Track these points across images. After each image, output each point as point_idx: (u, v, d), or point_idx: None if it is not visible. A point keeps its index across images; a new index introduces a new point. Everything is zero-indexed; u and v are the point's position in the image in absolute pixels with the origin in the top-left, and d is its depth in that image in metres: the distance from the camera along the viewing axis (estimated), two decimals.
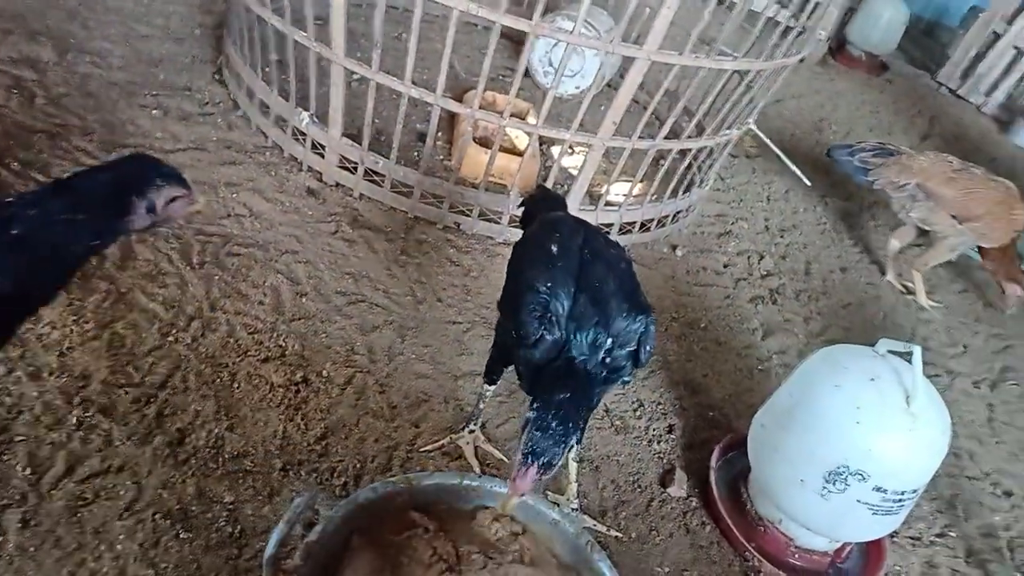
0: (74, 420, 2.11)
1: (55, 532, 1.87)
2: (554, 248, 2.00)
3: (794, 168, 4.37)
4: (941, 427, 2.21)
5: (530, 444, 1.70)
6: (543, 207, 2.40)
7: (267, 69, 3.49)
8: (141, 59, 3.64)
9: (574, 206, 3.32)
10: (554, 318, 1.87)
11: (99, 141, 3.06)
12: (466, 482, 1.95)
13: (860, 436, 2.15)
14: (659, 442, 2.70)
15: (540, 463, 1.69)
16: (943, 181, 3.89)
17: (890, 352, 2.33)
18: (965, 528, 2.80)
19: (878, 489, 2.17)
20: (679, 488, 2.54)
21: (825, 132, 5.50)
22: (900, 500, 2.22)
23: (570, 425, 1.74)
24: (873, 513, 2.22)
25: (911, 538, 2.70)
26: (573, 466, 2.34)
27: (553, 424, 1.71)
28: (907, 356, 2.24)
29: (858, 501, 2.19)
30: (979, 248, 4.02)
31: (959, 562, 2.68)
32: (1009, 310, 4.07)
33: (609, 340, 1.88)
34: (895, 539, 2.65)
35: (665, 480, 2.57)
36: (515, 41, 4.74)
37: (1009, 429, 3.37)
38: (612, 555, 2.25)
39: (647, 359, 1.97)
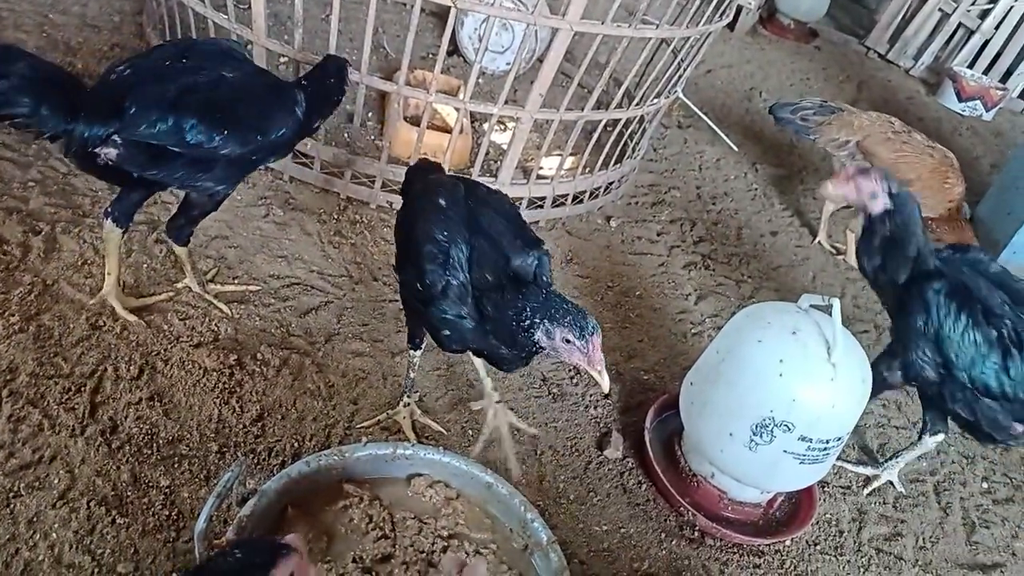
0: (2, 413, 2.09)
1: None
2: (442, 201, 2.09)
3: (722, 134, 4.43)
4: (861, 376, 2.29)
5: (570, 324, 1.82)
6: (423, 176, 2.46)
7: None
8: (57, 48, 3.56)
9: (506, 180, 3.35)
10: (456, 263, 1.96)
11: (17, 135, 3.00)
12: (399, 451, 1.98)
13: (783, 388, 2.21)
14: (595, 407, 2.75)
15: (591, 327, 1.82)
16: (879, 141, 3.91)
17: (812, 307, 2.41)
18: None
19: (803, 439, 2.25)
20: (615, 450, 2.60)
21: (755, 101, 5.60)
22: (825, 448, 2.30)
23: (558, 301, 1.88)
24: (800, 462, 2.30)
25: (841, 487, 2.80)
26: (479, 362, 2.43)
27: (555, 303, 1.86)
28: (827, 310, 2.32)
29: (785, 451, 2.27)
30: (924, 219, 4.07)
31: (888, 507, 2.78)
32: None
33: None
34: (826, 489, 2.75)
35: (602, 443, 2.63)
36: (446, 20, 4.73)
37: None
38: (551, 516, 2.32)
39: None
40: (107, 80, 2.15)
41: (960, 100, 6.68)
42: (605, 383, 1.86)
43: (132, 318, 2.45)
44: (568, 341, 1.83)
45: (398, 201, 3.24)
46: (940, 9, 7.05)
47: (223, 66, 2.25)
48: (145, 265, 2.69)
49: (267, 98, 2.33)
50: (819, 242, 4.18)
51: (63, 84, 2.05)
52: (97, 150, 2.07)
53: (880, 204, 2.60)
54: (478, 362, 2.44)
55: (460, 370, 2.72)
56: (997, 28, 6.97)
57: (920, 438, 2.74)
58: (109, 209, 2.34)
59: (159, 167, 2.17)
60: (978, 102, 6.65)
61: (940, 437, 2.72)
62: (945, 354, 2.47)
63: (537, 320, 1.85)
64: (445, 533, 1.86)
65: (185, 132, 2.10)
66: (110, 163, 2.10)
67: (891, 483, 2.83)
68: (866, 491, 2.77)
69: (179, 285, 2.63)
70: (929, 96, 6.85)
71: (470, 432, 2.52)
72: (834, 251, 4.16)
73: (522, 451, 2.50)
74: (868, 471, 2.82)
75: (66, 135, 2.05)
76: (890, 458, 2.82)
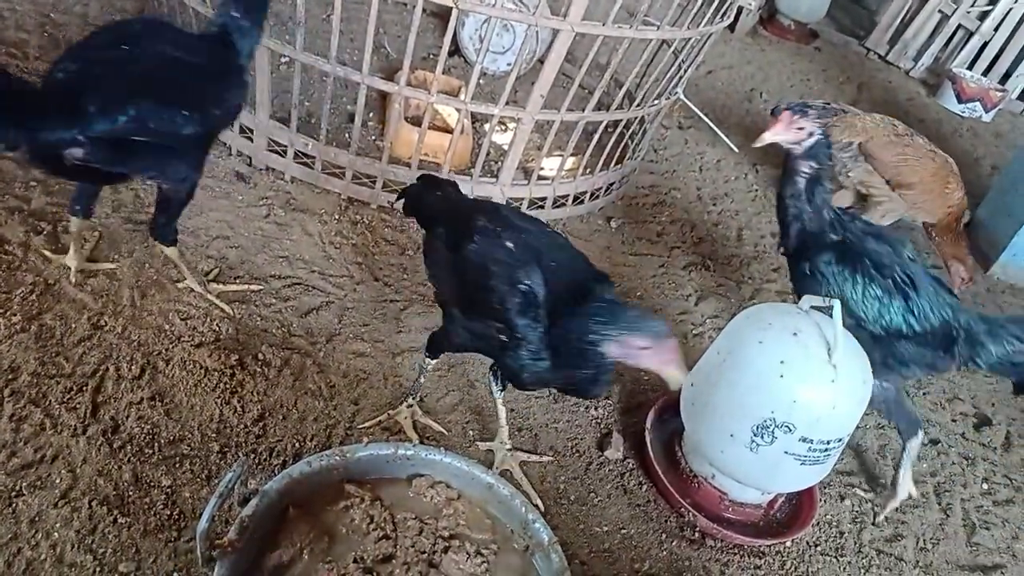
0: (4, 413, 2.09)
1: None
2: (509, 243, 2.04)
3: (722, 135, 4.43)
4: (862, 377, 2.29)
5: (645, 330, 1.84)
6: (431, 195, 2.41)
7: None
8: (59, 48, 3.56)
9: (507, 181, 3.35)
10: (543, 310, 1.96)
11: None
12: (401, 451, 1.97)
13: (784, 389, 2.21)
14: (596, 408, 2.76)
15: (662, 330, 1.84)
16: (882, 144, 3.90)
17: (813, 308, 2.41)
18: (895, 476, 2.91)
19: (804, 440, 2.25)
20: (616, 451, 2.60)
21: (756, 102, 5.60)
22: (826, 449, 2.30)
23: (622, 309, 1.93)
24: (801, 463, 2.30)
25: (842, 488, 2.80)
26: (502, 409, 2.41)
27: (620, 311, 1.89)
28: (829, 311, 2.32)
29: (786, 452, 2.27)
30: (924, 225, 4.08)
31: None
32: (955, 291, 4.13)
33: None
34: (826, 490, 2.75)
35: (602, 444, 2.63)
36: (447, 21, 4.73)
37: (935, 380, 3.50)
38: (552, 517, 2.32)
39: None
40: (56, 79, 2.06)
41: (960, 101, 6.69)
42: (678, 378, 1.90)
43: (74, 278, 2.49)
44: (643, 348, 1.86)
45: (399, 201, 3.28)
46: (940, 11, 7.06)
47: (163, 43, 2.19)
48: (147, 265, 2.68)
49: (218, 70, 2.28)
50: None
51: (10, 89, 1.92)
52: (64, 152, 2.00)
53: (815, 139, 2.59)
54: (501, 409, 2.41)
55: (460, 370, 2.72)
56: (996, 30, 6.98)
57: (904, 446, 2.72)
58: (76, 208, 2.39)
59: (126, 159, 2.13)
60: (978, 103, 6.66)
61: (920, 436, 2.71)
62: (855, 315, 2.52)
63: (605, 332, 1.86)
64: (446, 534, 1.85)
65: (147, 120, 2.05)
66: (76, 163, 2.04)
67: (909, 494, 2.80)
68: (883, 515, 2.75)
69: (180, 285, 2.64)
70: (929, 97, 6.86)
71: (471, 432, 2.52)
72: None
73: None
74: (887, 506, 2.77)
75: (28, 141, 1.96)
76: (893, 481, 2.78)
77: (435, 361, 2.40)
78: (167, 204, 2.39)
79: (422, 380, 2.44)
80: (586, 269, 2.12)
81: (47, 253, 2.55)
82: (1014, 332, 2.50)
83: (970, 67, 7.07)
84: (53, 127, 1.95)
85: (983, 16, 6.98)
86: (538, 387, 2.17)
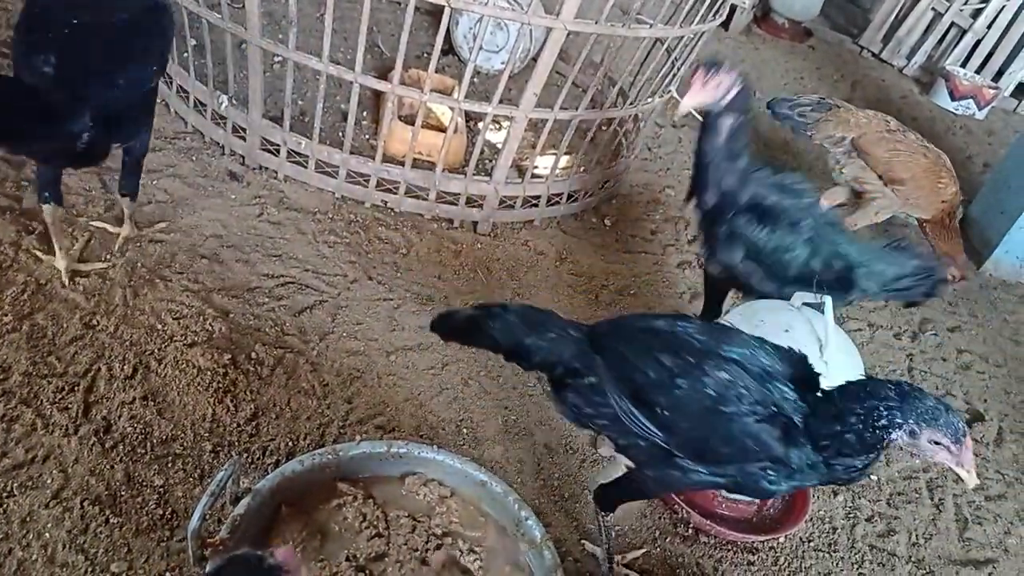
0: None
1: None
2: (719, 373, 1.80)
3: None
4: (853, 373, 2.29)
5: (944, 427, 1.66)
6: (520, 325, 1.99)
7: (185, 54, 3.45)
8: None
9: (500, 180, 3.35)
10: (801, 432, 1.77)
11: None
12: (394, 449, 1.98)
13: None
14: None
15: (964, 430, 1.66)
16: (874, 139, 3.90)
17: (804, 304, 2.42)
18: (887, 472, 2.92)
19: None
20: (609, 448, 2.60)
21: (750, 100, 5.59)
22: None
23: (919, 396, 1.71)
24: None
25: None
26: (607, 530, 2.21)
27: (916, 399, 1.68)
28: (820, 308, 2.33)
29: None
30: (919, 222, 4.09)
31: (881, 504, 2.79)
32: (948, 288, 4.15)
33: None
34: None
35: (596, 441, 2.63)
36: (440, 19, 4.73)
37: (928, 377, 3.51)
38: (545, 514, 2.32)
39: None
40: (47, 73, 2.08)
41: (953, 99, 6.70)
42: (973, 480, 1.70)
43: (66, 279, 2.51)
44: (937, 443, 1.67)
45: (393, 200, 3.28)
46: (933, 8, 7.07)
47: (108, 8, 2.26)
48: (139, 264, 2.68)
49: (159, 22, 2.37)
50: None
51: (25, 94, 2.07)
52: (79, 138, 2.13)
53: (735, 92, 2.41)
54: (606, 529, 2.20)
55: (455, 369, 2.72)
56: (989, 27, 6.99)
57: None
58: (46, 195, 2.42)
59: (119, 128, 2.31)
60: (971, 101, 6.68)
61: None
62: (778, 274, 2.46)
63: (899, 420, 1.67)
64: (439, 531, 1.86)
65: (137, 84, 2.26)
66: (83, 146, 2.16)
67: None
68: None
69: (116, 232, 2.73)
70: (922, 95, 6.87)
71: (464, 431, 2.52)
72: None
73: (518, 450, 2.51)
74: None
75: (54, 139, 2.11)
76: None
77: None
78: (137, 165, 2.58)
79: (612, 534, 2.22)
80: (784, 354, 1.88)
81: (38, 254, 2.55)
82: (888, 259, 2.53)
83: (963, 65, 7.08)
84: (73, 119, 2.08)
85: (976, 14, 7.00)
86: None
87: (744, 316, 2.41)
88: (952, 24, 7.09)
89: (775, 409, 1.76)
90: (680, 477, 1.87)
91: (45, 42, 2.13)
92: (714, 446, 1.80)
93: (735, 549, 2.45)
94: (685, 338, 1.85)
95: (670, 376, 1.80)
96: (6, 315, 2.34)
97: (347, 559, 1.77)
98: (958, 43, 7.13)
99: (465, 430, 2.53)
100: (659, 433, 1.83)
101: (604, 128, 3.63)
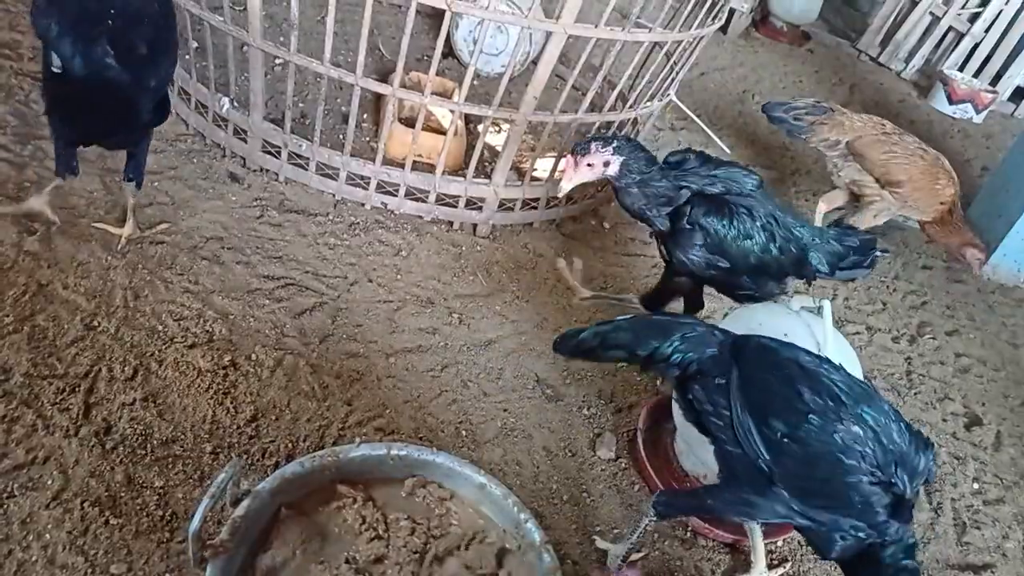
0: None
1: None
2: (855, 427, 1.82)
3: (715, 137, 4.44)
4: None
5: None
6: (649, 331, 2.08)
7: (186, 56, 3.45)
8: None
9: (500, 182, 3.35)
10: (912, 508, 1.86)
11: (13, 133, 3.00)
12: (394, 452, 1.98)
13: None
14: (589, 408, 2.77)
15: None
16: (870, 142, 3.91)
17: (803, 308, 2.43)
18: None
19: None
20: (609, 451, 2.61)
21: (748, 103, 5.62)
22: None
23: None
24: None
25: None
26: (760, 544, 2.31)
27: None
28: (818, 311, 2.34)
29: None
30: (919, 224, 4.10)
31: None
32: (978, 272, 4.18)
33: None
34: None
35: (595, 444, 2.64)
36: (441, 22, 4.74)
37: (926, 380, 3.52)
38: (544, 517, 2.33)
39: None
40: (105, 63, 2.17)
41: (951, 103, 6.72)
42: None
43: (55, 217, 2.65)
44: None
45: (393, 202, 3.29)
46: (931, 12, 7.09)
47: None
48: (140, 266, 2.68)
49: (172, 13, 2.48)
50: None
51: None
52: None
53: (615, 163, 2.49)
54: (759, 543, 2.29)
55: (454, 371, 2.73)
56: (987, 31, 7.01)
57: None
58: (64, 169, 2.56)
59: (161, 112, 2.51)
60: (969, 105, 6.69)
61: None
62: (738, 262, 2.50)
63: None
64: (438, 534, 1.87)
65: (172, 70, 2.52)
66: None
67: None
68: None
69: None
70: (920, 99, 6.89)
71: (463, 433, 2.53)
72: None
73: (517, 452, 2.51)
74: None
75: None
76: None
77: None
78: (145, 151, 2.69)
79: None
80: (914, 437, 1.89)
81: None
82: (833, 235, 2.61)
83: (961, 69, 7.10)
84: (142, 107, 2.36)
85: (974, 18, 7.02)
86: None
87: (742, 319, 2.42)
88: (950, 28, 7.11)
89: (891, 481, 1.79)
90: (758, 503, 1.89)
91: (100, 33, 2.16)
92: (820, 489, 1.84)
93: (733, 552, 2.46)
94: (828, 383, 1.89)
95: (806, 411, 1.84)
96: (7, 316, 2.34)
97: (347, 561, 1.78)
98: (956, 47, 7.15)
99: (464, 432, 2.53)
100: (766, 455, 1.86)
101: (603, 131, 3.64)
